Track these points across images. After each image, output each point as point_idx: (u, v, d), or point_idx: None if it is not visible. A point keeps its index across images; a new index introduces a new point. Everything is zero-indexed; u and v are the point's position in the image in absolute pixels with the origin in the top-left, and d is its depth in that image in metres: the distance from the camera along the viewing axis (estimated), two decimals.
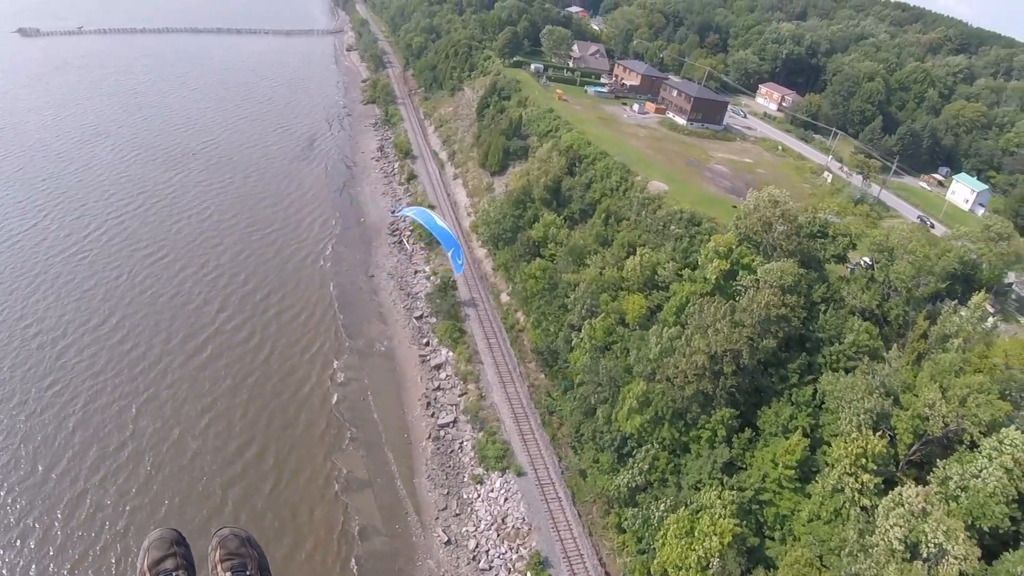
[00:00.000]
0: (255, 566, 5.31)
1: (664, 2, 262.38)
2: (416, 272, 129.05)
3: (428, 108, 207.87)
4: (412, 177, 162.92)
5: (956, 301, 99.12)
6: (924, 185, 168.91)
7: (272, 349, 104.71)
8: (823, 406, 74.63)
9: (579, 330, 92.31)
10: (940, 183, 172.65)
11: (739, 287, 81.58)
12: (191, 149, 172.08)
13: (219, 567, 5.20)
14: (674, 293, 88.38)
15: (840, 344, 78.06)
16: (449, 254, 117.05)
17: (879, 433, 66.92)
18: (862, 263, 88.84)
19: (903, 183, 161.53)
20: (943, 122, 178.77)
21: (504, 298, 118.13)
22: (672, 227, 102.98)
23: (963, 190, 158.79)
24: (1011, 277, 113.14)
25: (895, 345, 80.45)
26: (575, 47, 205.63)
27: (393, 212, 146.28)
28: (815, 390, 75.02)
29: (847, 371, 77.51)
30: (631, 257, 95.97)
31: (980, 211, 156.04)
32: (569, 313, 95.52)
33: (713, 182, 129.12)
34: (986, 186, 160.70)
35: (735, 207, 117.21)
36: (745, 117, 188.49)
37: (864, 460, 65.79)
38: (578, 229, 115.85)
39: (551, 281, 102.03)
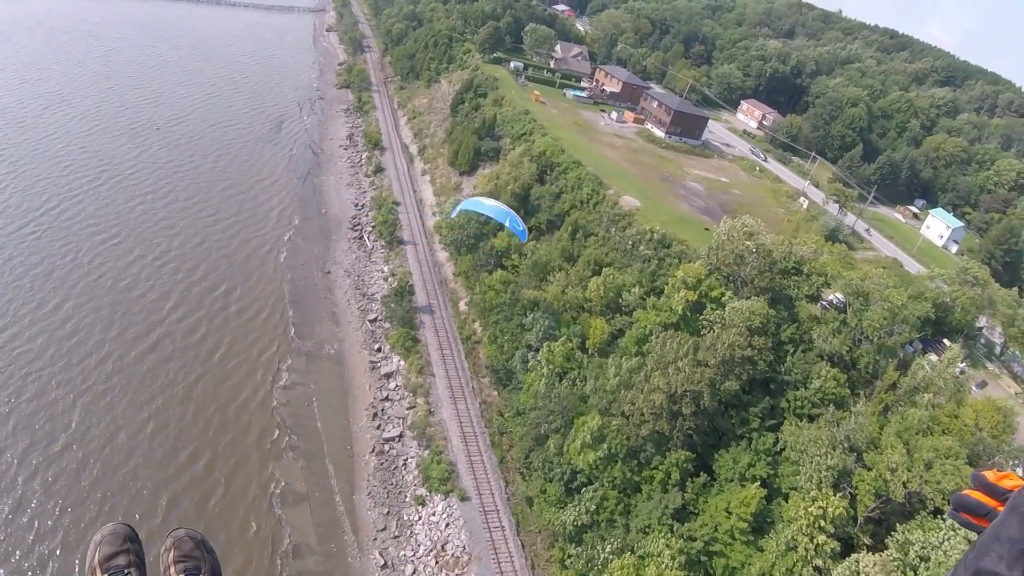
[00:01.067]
0: (208, 570, 5.06)
1: (652, 8, 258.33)
2: (375, 272, 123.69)
3: (403, 98, 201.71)
4: (379, 170, 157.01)
5: (923, 348, 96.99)
6: (899, 217, 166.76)
7: (219, 346, 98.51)
8: (783, 454, 70.87)
9: (537, 351, 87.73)
10: (915, 215, 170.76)
11: (705, 322, 77.42)
12: (157, 124, 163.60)
13: (172, 568, 4.96)
14: (637, 320, 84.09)
15: (806, 389, 74.30)
16: (506, 223, 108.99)
17: (840, 494, 63.18)
18: (834, 299, 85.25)
19: (878, 213, 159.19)
20: (923, 154, 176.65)
21: (462, 306, 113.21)
22: (641, 247, 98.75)
23: (938, 225, 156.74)
24: (981, 321, 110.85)
25: (862, 393, 77.08)
26: (557, 47, 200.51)
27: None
28: (777, 439, 71.19)
29: (811, 418, 74.04)
30: (595, 277, 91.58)
31: (954, 248, 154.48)
32: (527, 332, 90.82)
33: (687, 201, 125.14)
34: (961, 223, 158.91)
35: (707, 230, 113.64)
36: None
37: (823, 522, 62.13)
38: (544, 241, 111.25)
39: (512, 296, 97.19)
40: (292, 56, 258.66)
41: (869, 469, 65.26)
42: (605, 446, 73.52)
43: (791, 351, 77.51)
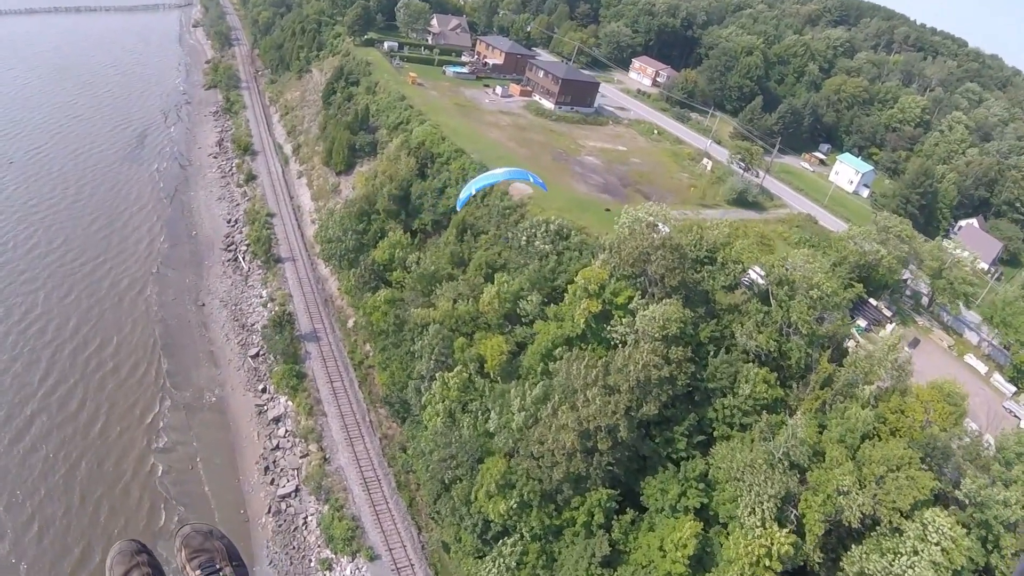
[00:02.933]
0: (223, 557, 5.15)
1: None
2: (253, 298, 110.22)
3: (274, 93, 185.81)
4: (251, 177, 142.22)
5: (850, 312, 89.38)
6: (806, 165, 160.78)
7: (98, 415, 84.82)
8: (718, 480, 61.49)
9: (431, 382, 76.40)
10: (822, 162, 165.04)
11: (614, 334, 67.06)
12: (11, 158, 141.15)
13: (187, 567, 5.05)
14: (539, 332, 73.37)
15: (734, 396, 64.91)
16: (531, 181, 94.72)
17: (786, 530, 54.03)
18: (755, 278, 75.78)
19: (784, 164, 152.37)
20: (824, 98, 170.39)
21: (352, 324, 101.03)
22: (536, 242, 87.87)
23: (847, 171, 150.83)
24: (905, 274, 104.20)
25: (795, 387, 68.33)
26: (434, 21, 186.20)
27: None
28: (708, 464, 61.70)
29: (743, 427, 64.87)
30: (489, 285, 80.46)
31: (865, 192, 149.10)
32: (418, 361, 79.31)
33: (584, 179, 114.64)
34: (870, 166, 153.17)
35: (608, 211, 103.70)
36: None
37: (768, 560, 53.00)
38: (431, 245, 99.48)
39: (397, 319, 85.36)
40: (157, 59, 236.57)
41: (816, 494, 56.16)
42: (516, 493, 63.16)
43: (712, 351, 68.01)
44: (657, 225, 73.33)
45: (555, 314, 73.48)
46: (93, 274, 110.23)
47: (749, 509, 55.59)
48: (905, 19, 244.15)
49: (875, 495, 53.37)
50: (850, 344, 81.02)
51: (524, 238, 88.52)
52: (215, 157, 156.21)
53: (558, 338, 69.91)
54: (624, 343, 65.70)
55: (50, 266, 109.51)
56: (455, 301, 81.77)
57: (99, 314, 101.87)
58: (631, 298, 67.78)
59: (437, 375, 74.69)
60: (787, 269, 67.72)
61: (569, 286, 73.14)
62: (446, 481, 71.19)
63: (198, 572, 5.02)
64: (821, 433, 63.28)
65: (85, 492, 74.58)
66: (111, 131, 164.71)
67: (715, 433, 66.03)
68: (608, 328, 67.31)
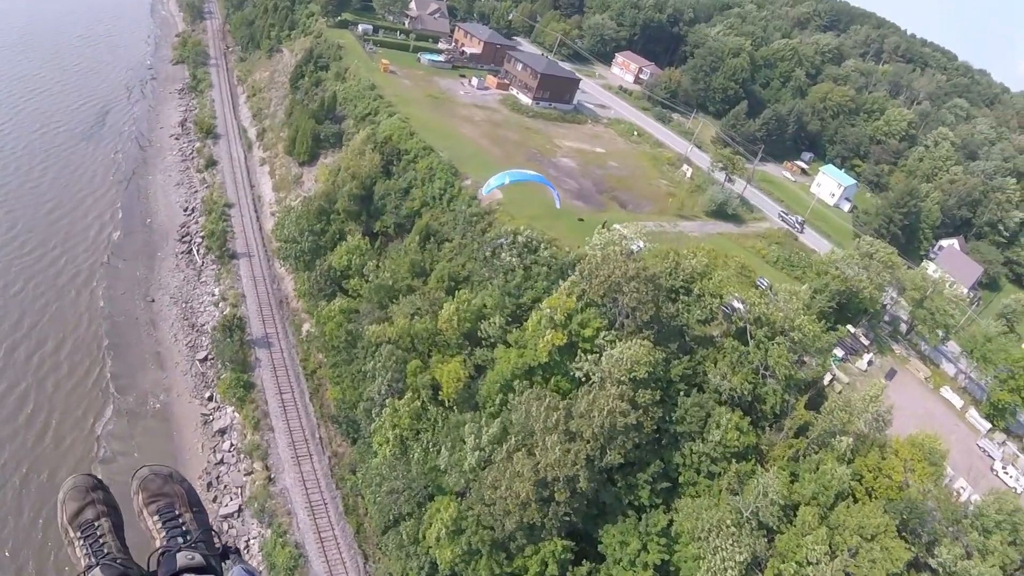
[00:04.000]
0: (183, 503, 4.90)
1: None
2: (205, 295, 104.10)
3: (243, 71, 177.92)
4: (212, 163, 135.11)
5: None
6: (787, 174, 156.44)
7: (49, 424, 79.22)
8: (681, 537, 57.00)
9: (381, 407, 71.15)
10: (804, 171, 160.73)
11: (578, 371, 62.11)
12: None
13: (145, 512, 4.84)
14: (499, 359, 68.28)
15: (704, 443, 60.37)
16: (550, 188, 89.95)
17: None
18: (738, 305, 70.97)
19: (766, 172, 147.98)
20: (809, 105, 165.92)
21: (307, 329, 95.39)
22: (503, 254, 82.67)
23: (829, 183, 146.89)
24: (885, 298, 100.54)
25: (768, 430, 63.99)
26: (412, 4, 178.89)
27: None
28: (671, 520, 57.17)
29: (711, 475, 60.46)
30: (449, 301, 75.18)
31: (846, 206, 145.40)
32: (370, 381, 73.91)
33: (558, 183, 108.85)
34: (853, 180, 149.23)
35: (581, 220, 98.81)
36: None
37: None
38: (392, 250, 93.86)
39: (350, 335, 79.79)
40: (127, 30, 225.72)
41: (784, 559, 51.84)
42: (464, 540, 58.35)
43: (683, 390, 63.44)
44: (632, 249, 68.04)
45: (517, 340, 68.44)
46: (46, 264, 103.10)
47: (712, 574, 51.23)
48: (896, 28, 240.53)
49: (846, 568, 49.19)
50: (826, 376, 77.23)
51: (490, 250, 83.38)
52: (177, 139, 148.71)
53: (519, 368, 64.91)
54: (589, 380, 60.89)
55: (2, 255, 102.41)
56: (413, 316, 76.46)
57: (50, 309, 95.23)
58: (599, 330, 62.89)
59: (388, 401, 69.41)
60: (768, 307, 62.99)
61: (534, 312, 68.11)
62: (392, 516, 66.41)
63: (156, 518, 4.74)
64: (793, 482, 59.26)
65: (35, 513, 68.91)
66: (73, 107, 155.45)
67: (681, 479, 61.68)
68: (572, 365, 62.37)
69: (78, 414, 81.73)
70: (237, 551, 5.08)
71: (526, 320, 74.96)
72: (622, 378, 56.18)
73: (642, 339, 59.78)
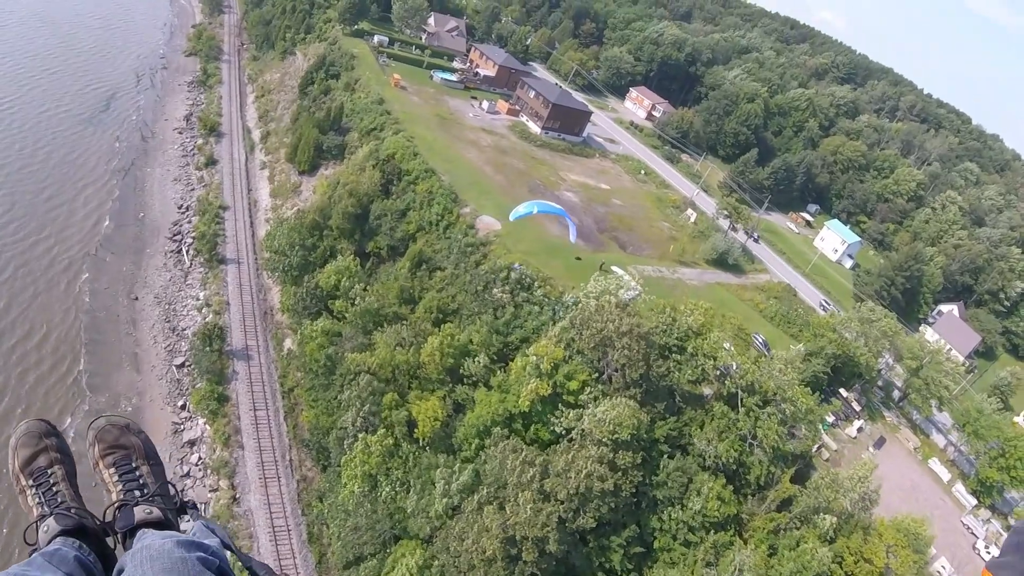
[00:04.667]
0: (140, 455, 4.77)
1: None
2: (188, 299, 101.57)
3: (254, 71, 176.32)
4: (212, 162, 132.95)
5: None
6: (792, 226, 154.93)
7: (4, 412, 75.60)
8: None
9: (355, 439, 68.75)
10: (808, 223, 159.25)
11: (558, 426, 59.88)
12: None
13: (100, 463, 4.70)
14: (479, 403, 66.01)
15: (684, 510, 58.12)
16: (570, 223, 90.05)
17: None
18: (731, 367, 68.59)
19: (770, 222, 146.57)
20: (820, 157, 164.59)
21: (289, 346, 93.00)
22: (495, 290, 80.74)
23: (834, 239, 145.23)
24: (880, 363, 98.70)
25: (750, 501, 61.74)
26: (431, 20, 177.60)
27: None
28: None
29: (687, 544, 58.17)
30: (433, 335, 73.00)
31: (848, 263, 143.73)
32: (344, 411, 71.56)
33: (558, 219, 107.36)
34: (858, 238, 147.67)
35: (579, 259, 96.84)
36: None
37: None
38: (383, 272, 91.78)
39: (329, 360, 77.43)
40: (144, 16, 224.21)
41: None
42: None
43: (666, 452, 61.25)
44: (627, 296, 65.56)
45: (500, 384, 66.20)
46: (39, 252, 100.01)
47: None
48: (912, 87, 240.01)
49: None
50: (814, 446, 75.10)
51: (482, 283, 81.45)
52: (180, 132, 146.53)
53: (499, 414, 62.65)
54: (568, 435, 58.68)
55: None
56: (396, 347, 74.22)
57: (39, 300, 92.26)
58: (585, 384, 60.67)
59: (360, 436, 67.01)
60: (761, 375, 60.88)
61: (519, 356, 65.97)
62: (355, 555, 64.04)
63: (112, 470, 4.59)
64: (771, 556, 57.05)
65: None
66: (81, 90, 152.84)
67: (656, 544, 59.34)
68: (554, 419, 60.15)
69: (47, 408, 78.23)
70: (194, 506, 4.81)
71: (512, 360, 72.90)
72: (603, 439, 53.95)
73: (629, 397, 57.62)
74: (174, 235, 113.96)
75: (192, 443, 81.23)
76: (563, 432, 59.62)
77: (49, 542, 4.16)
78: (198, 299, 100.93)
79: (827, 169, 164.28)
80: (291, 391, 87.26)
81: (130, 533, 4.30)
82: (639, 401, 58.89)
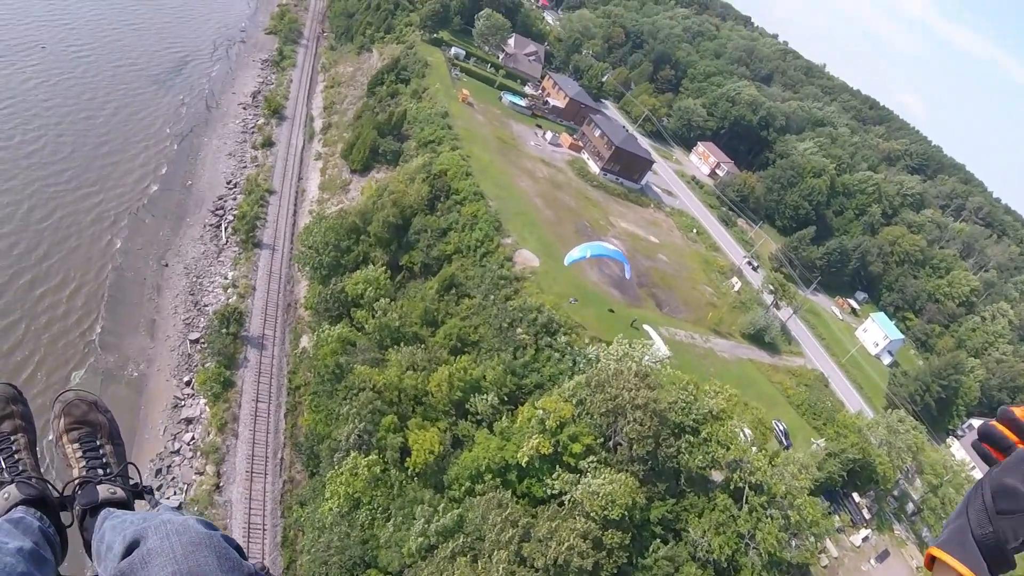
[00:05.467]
0: (105, 433, 4.74)
1: (631, 18, 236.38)
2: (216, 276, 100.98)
3: (329, 60, 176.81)
4: (269, 143, 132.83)
5: (828, 503, 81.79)
6: (836, 310, 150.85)
7: (19, 359, 76.31)
8: None
9: (345, 456, 67.02)
10: (854, 311, 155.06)
11: (551, 488, 57.52)
12: (44, 44, 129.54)
13: (64, 438, 4.64)
14: (479, 444, 63.97)
15: None
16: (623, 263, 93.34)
17: None
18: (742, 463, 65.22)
19: (814, 303, 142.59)
20: (877, 245, 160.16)
21: (305, 344, 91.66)
22: (519, 329, 78.79)
23: (876, 332, 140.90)
24: (899, 473, 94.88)
25: None
26: (511, 41, 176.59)
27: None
28: None
29: None
30: (445, 366, 71.15)
31: (887, 359, 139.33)
32: (341, 423, 69.92)
33: (599, 265, 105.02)
34: (901, 336, 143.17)
35: (611, 312, 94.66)
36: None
37: None
38: (412, 288, 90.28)
39: (338, 368, 75.88)
40: None
41: None
42: None
43: (659, 535, 58.54)
44: (648, 368, 62.72)
45: (503, 431, 64.08)
46: (79, 198, 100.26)
47: None
48: (982, 188, 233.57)
49: None
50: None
51: (508, 320, 79.49)
52: (244, 108, 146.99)
53: (495, 462, 60.49)
54: (559, 498, 56.28)
55: (44, 180, 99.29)
56: (407, 370, 72.49)
57: (68, 246, 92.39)
58: (589, 449, 58.24)
59: (352, 454, 65.27)
60: (771, 477, 57.99)
61: (528, 404, 63.85)
62: (323, 571, 62.21)
63: (76, 445, 4.54)
64: None
65: None
66: (158, 50, 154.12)
67: None
68: (549, 479, 57.81)
69: (60, 360, 78.50)
70: (151, 490, 4.62)
71: (522, 403, 70.90)
72: (593, 513, 51.51)
73: (631, 473, 55.13)
74: (217, 209, 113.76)
75: (189, 421, 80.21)
76: (556, 494, 57.22)
77: (8, 510, 4.01)
78: (226, 278, 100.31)
79: (882, 259, 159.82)
80: (297, 389, 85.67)
81: (91, 512, 4.17)
82: (641, 478, 56.35)
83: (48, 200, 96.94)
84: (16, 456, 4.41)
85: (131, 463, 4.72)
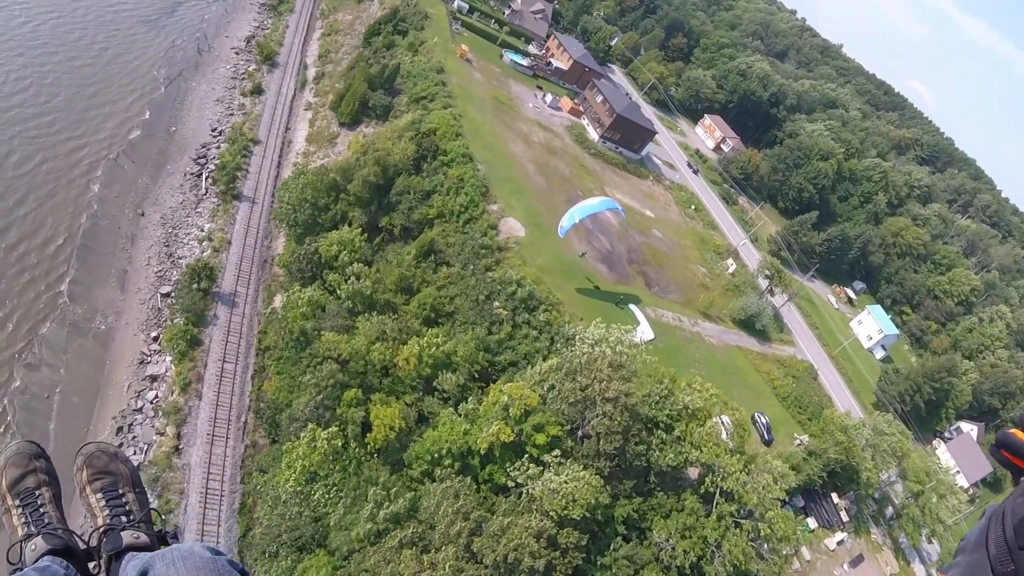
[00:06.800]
0: (127, 482, 4.86)
1: None
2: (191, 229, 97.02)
3: (329, 6, 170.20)
4: (258, 91, 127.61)
5: (803, 507, 79.56)
6: (832, 299, 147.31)
7: None
8: None
9: (303, 426, 63.71)
10: (850, 300, 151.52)
11: (511, 481, 54.18)
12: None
13: (88, 488, 4.75)
14: (441, 424, 60.61)
15: None
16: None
17: None
18: (715, 468, 61.49)
19: (810, 291, 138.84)
20: (879, 236, 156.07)
21: (278, 301, 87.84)
22: (496, 303, 75.19)
23: (871, 325, 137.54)
24: (882, 476, 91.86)
25: None
26: None
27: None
28: None
29: None
30: (416, 339, 67.60)
31: (880, 353, 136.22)
32: (303, 393, 66.49)
33: (588, 237, 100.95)
34: (897, 331, 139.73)
35: (597, 288, 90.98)
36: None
37: None
38: (390, 252, 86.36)
39: (304, 336, 72.23)
40: None
41: None
42: None
43: (622, 533, 55.39)
44: (621, 367, 58.48)
45: (468, 413, 60.65)
46: (68, 149, 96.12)
47: None
48: (991, 186, 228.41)
49: None
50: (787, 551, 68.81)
51: (486, 292, 75.87)
52: (237, 53, 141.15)
53: (456, 446, 57.14)
54: (517, 489, 53.04)
55: (25, 123, 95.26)
56: (375, 340, 68.89)
57: (49, 196, 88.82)
58: (556, 439, 54.80)
59: (310, 426, 61.97)
60: (744, 487, 54.62)
61: (497, 386, 60.36)
62: (275, 547, 59.35)
63: (100, 495, 4.65)
64: None
65: None
66: None
67: None
68: (512, 468, 54.47)
69: (32, 310, 75.93)
70: (175, 536, 4.77)
71: (495, 381, 67.63)
72: (551, 511, 48.23)
73: (596, 470, 51.79)
74: (199, 157, 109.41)
75: (154, 379, 77.46)
76: (514, 489, 53.98)
77: (36, 560, 4.17)
78: (202, 231, 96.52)
79: (884, 250, 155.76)
80: (267, 351, 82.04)
81: (115, 557, 4.28)
82: (606, 475, 53.05)
83: (29, 146, 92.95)
84: (42, 509, 4.47)
85: (154, 508, 4.74)
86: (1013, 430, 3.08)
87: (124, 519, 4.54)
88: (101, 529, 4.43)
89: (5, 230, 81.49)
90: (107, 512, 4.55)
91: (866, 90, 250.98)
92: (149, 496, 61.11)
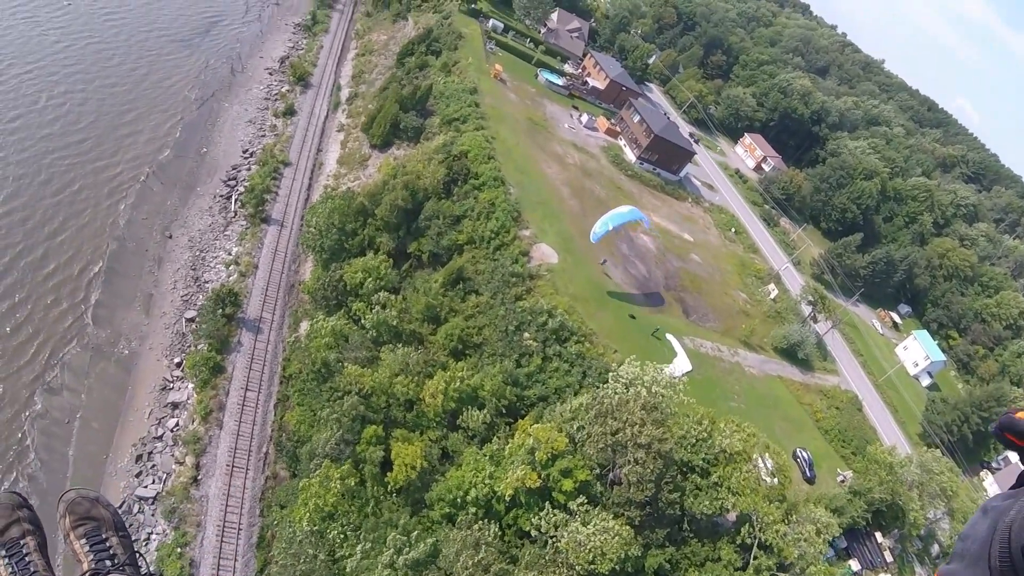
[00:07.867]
0: (109, 526, 4.84)
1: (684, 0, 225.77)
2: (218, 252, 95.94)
3: (364, 27, 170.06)
4: (290, 112, 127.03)
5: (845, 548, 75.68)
6: (877, 323, 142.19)
7: (13, 329, 73.79)
8: None
9: (321, 462, 61.51)
10: (896, 325, 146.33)
11: (536, 529, 51.33)
12: (87, 18, 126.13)
13: (71, 535, 4.75)
14: (465, 465, 57.96)
15: None
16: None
17: None
18: (754, 518, 58.52)
19: (854, 316, 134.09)
20: (925, 257, 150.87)
21: (304, 328, 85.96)
22: (527, 335, 72.50)
23: (917, 351, 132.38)
24: (929, 514, 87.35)
25: None
26: (554, 16, 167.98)
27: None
28: None
29: None
30: (442, 373, 65.17)
31: (926, 381, 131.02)
32: (322, 428, 64.31)
33: (624, 263, 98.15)
34: (943, 357, 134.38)
35: (633, 318, 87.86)
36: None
37: None
38: (417, 279, 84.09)
39: (326, 367, 70.15)
40: None
41: None
42: None
43: None
44: (655, 409, 55.33)
45: (492, 454, 57.92)
46: (98, 169, 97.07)
47: None
48: None
49: None
50: None
51: (515, 323, 73.26)
52: (271, 73, 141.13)
53: (480, 491, 54.42)
54: (541, 536, 50.18)
55: (65, 149, 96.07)
56: (398, 373, 66.57)
57: (82, 219, 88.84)
58: (585, 484, 51.87)
59: (324, 464, 59.70)
60: (784, 540, 51.22)
61: (522, 428, 57.59)
62: None
63: (83, 541, 4.67)
64: None
65: None
66: (187, 9, 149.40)
67: None
68: (535, 518, 51.61)
69: (56, 334, 75.48)
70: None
71: (523, 416, 64.99)
72: (578, 567, 45.33)
73: (627, 520, 48.80)
74: (229, 179, 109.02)
75: (176, 406, 76.51)
76: (540, 538, 51.10)
77: None
78: (230, 254, 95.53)
79: (930, 272, 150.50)
80: (290, 379, 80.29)
81: None
82: (637, 524, 49.99)
83: (63, 169, 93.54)
84: (27, 558, 4.47)
85: (138, 552, 4.74)
86: (1020, 414, 3.18)
87: (109, 563, 4.54)
88: (87, 574, 4.46)
89: (44, 257, 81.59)
90: (91, 557, 4.54)
91: (909, 106, 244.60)
92: (167, 525, 59.50)
